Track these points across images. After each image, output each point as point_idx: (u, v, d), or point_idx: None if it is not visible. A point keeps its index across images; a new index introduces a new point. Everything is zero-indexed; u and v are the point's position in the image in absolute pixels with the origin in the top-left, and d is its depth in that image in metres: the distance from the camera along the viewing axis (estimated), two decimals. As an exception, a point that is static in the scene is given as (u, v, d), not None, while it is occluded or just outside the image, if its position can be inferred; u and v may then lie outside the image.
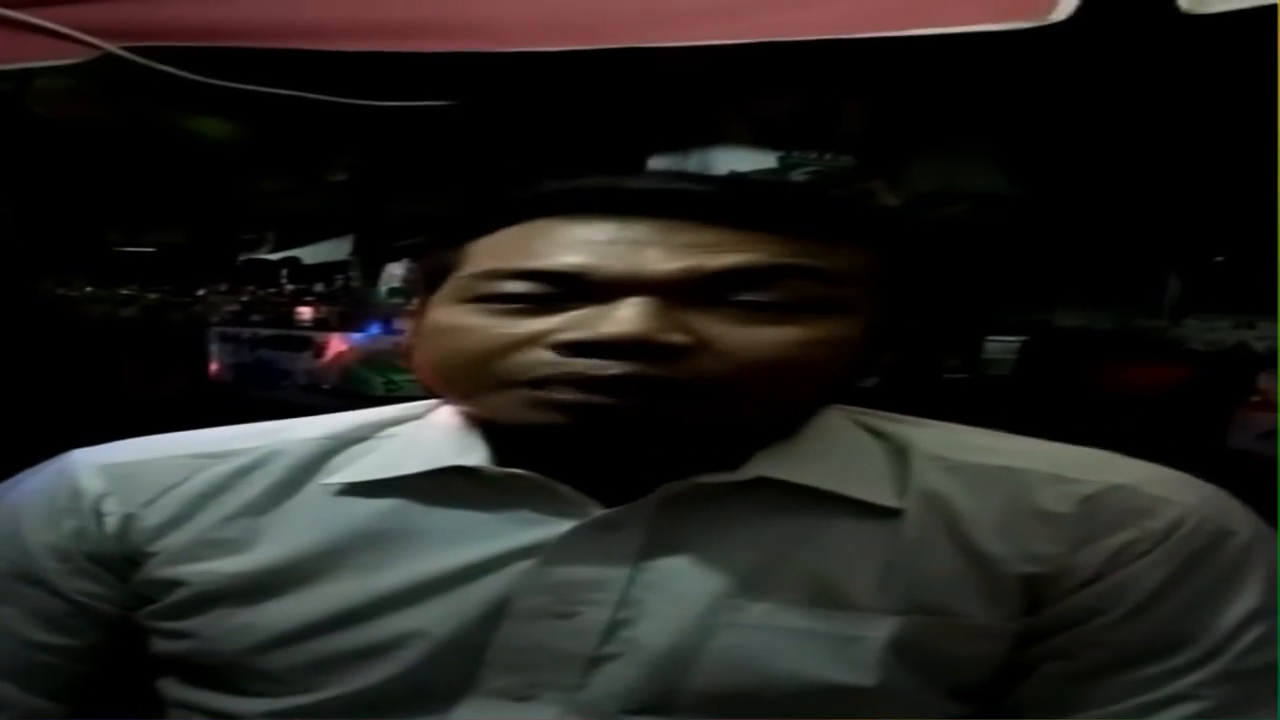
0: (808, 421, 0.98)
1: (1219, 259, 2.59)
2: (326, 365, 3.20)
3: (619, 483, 0.93)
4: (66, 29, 1.70)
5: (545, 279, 0.91)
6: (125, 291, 3.39)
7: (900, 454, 0.98)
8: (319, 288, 3.33)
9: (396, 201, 2.95)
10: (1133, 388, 2.55)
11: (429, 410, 1.06)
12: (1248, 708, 0.89)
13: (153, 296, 3.39)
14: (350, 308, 3.25)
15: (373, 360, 3.08)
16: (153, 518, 1.00)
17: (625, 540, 0.93)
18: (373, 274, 3.18)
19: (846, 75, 2.23)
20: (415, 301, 1.05)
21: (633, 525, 0.93)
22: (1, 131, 2.45)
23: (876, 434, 1.01)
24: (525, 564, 0.93)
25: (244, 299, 3.36)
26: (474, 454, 0.96)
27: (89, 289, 3.38)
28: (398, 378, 2.93)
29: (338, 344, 3.20)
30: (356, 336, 3.20)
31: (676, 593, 0.92)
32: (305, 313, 3.33)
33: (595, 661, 0.92)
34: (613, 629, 0.92)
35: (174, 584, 0.99)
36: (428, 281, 1.01)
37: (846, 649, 0.90)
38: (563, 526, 0.93)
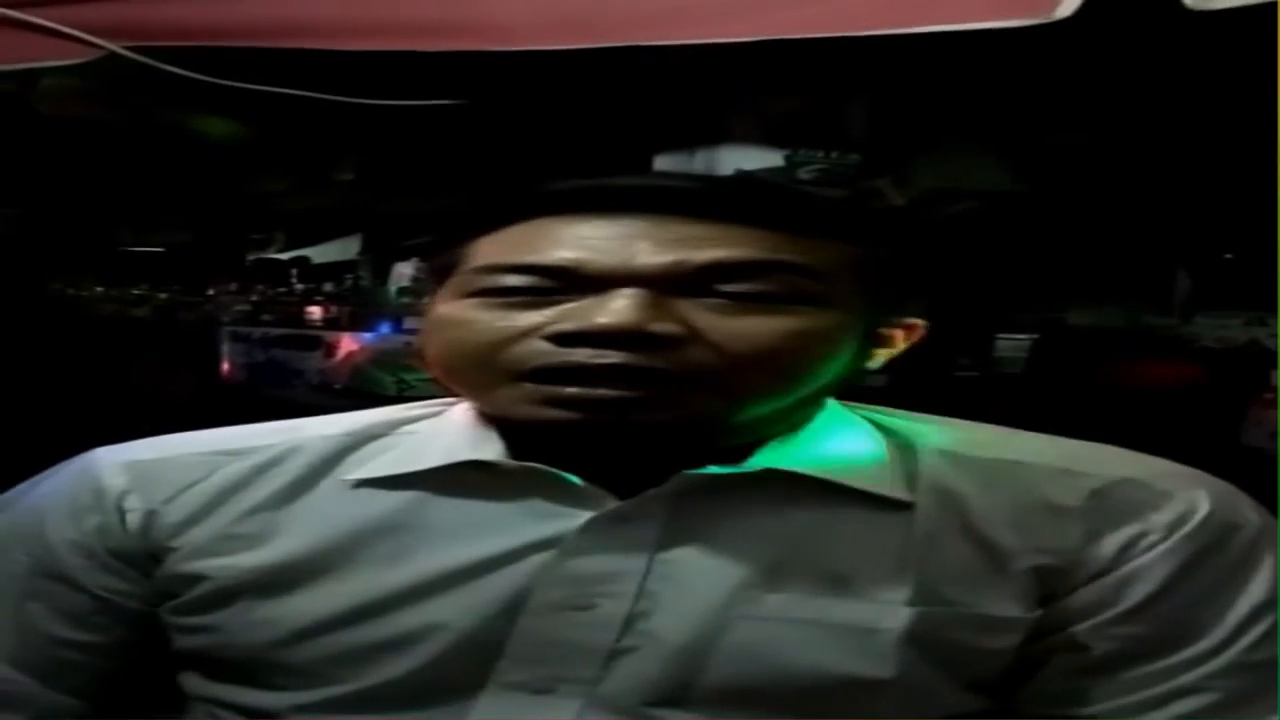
0: (814, 415, 0.99)
1: (1228, 256, 2.58)
2: (338, 365, 3.21)
3: (632, 475, 0.93)
4: (71, 29, 1.71)
5: (541, 273, 0.92)
6: (136, 291, 3.40)
7: (908, 449, 0.99)
8: (328, 287, 3.34)
9: (404, 200, 2.95)
10: (1144, 385, 2.55)
11: (447, 407, 1.07)
12: (1257, 700, 0.90)
13: (163, 296, 3.40)
14: (360, 307, 3.25)
15: (384, 360, 3.09)
16: (174, 514, 1.01)
17: (641, 532, 0.93)
18: (382, 273, 3.19)
19: (853, 73, 2.22)
20: (427, 300, 1.06)
21: (648, 517, 0.93)
22: (8, 132, 2.46)
23: (884, 429, 1.01)
24: (542, 557, 0.93)
25: (254, 298, 3.36)
26: (489, 448, 0.97)
27: (99, 289, 3.39)
28: (409, 377, 2.94)
29: (349, 343, 3.21)
30: (367, 336, 3.20)
31: (693, 585, 0.93)
32: (315, 312, 3.33)
33: (614, 654, 0.92)
34: (631, 621, 0.92)
35: (195, 579, 0.99)
36: (437, 278, 1.02)
37: (863, 641, 0.91)
38: (579, 519, 0.93)
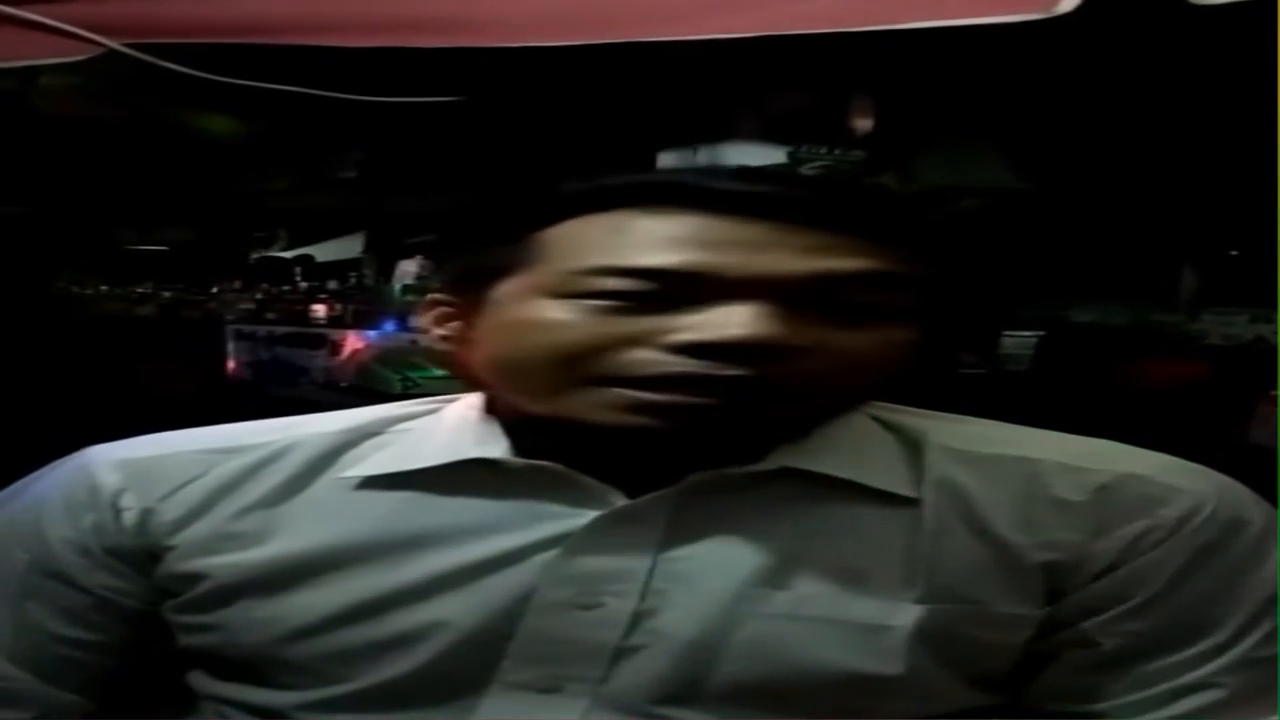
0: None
1: (1234, 252, 2.58)
2: (343, 363, 3.21)
3: (640, 473, 0.93)
4: (70, 26, 1.70)
5: (656, 277, 0.88)
6: (140, 289, 3.41)
7: (914, 445, 0.98)
8: (333, 285, 3.34)
9: (406, 198, 2.95)
10: (1150, 382, 2.54)
11: (444, 405, 1.06)
12: (1265, 695, 0.90)
13: (167, 294, 3.41)
14: (365, 305, 3.25)
15: (389, 358, 3.09)
16: (170, 512, 1.00)
17: (647, 531, 0.93)
18: (386, 271, 3.19)
19: (856, 69, 2.22)
20: (447, 296, 1.02)
21: (654, 516, 0.93)
22: (10, 130, 2.46)
23: (890, 426, 1.01)
24: (548, 555, 0.93)
25: (258, 296, 3.37)
26: (494, 446, 0.96)
27: (103, 287, 3.40)
28: (415, 375, 2.94)
29: (354, 341, 3.21)
30: (372, 334, 3.20)
31: (700, 583, 0.92)
32: (320, 310, 3.33)
33: (620, 653, 0.92)
34: (637, 620, 0.92)
35: (195, 577, 0.99)
36: (481, 276, 0.97)
37: (872, 638, 0.90)
38: (584, 518, 0.93)
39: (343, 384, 3.17)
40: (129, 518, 1.00)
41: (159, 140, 2.79)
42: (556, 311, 0.89)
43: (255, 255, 3.47)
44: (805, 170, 2.26)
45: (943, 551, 0.92)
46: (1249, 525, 0.93)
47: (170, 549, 1.00)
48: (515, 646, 0.92)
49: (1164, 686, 0.90)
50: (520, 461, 0.95)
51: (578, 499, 0.93)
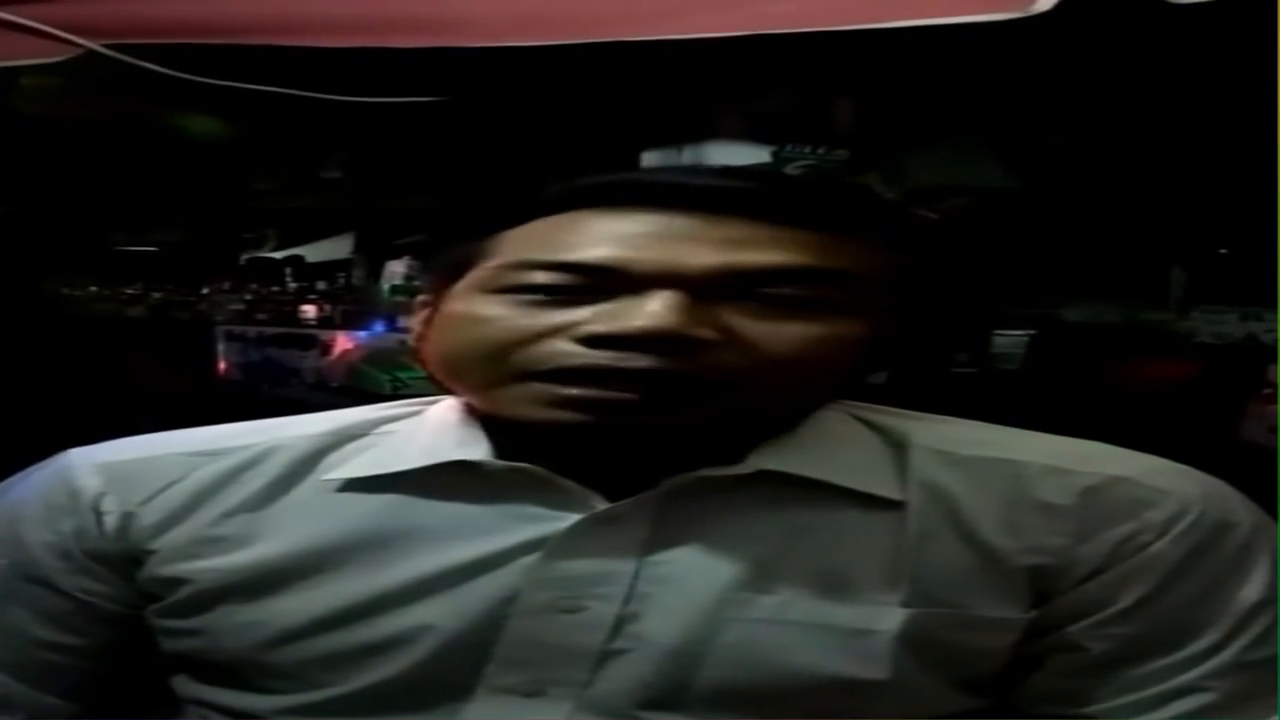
0: (807, 415, 0.98)
1: (1224, 250, 2.58)
2: (333, 363, 3.20)
3: (622, 476, 0.92)
4: (50, 27, 1.70)
5: (575, 270, 0.90)
6: (129, 291, 3.40)
7: (898, 447, 0.98)
8: (322, 285, 3.34)
9: (393, 198, 2.96)
10: (1141, 381, 2.54)
11: (426, 406, 1.06)
12: (1255, 699, 0.90)
13: (157, 295, 3.40)
14: (354, 305, 3.25)
15: (379, 358, 3.08)
16: (151, 516, 1.00)
17: (629, 534, 0.92)
18: (375, 271, 3.19)
19: (840, 68, 2.22)
20: (425, 295, 1.04)
21: (636, 519, 0.92)
22: (-5, 131, 2.46)
23: (875, 427, 1.00)
24: (529, 559, 0.92)
25: (248, 297, 3.36)
26: (476, 448, 0.96)
27: (92, 288, 3.39)
28: (404, 375, 2.93)
29: (343, 342, 3.21)
30: (361, 334, 3.20)
31: (683, 587, 0.92)
32: (310, 311, 3.33)
33: (604, 657, 0.91)
34: (620, 624, 0.91)
35: (177, 582, 0.98)
36: (447, 274, 0.99)
37: (857, 642, 0.90)
38: (566, 521, 0.93)
39: (333, 384, 3.16)
40: (110, 521, 1.00)
41: (144, 141, 2.79)
42: (486, 306, 0.92)
43: (245, 256, 3.47)
44: (790, 169, 2.26)
45: (927, 555, 0.92)
46: (1236, 528, 0.92)
47: (151, 553, 0.99)
48: (499, 650, 0.92)
49: (1152, 690, 0.90)
50: (500, 464, 0.94)
51: (558, 502, 0.93)
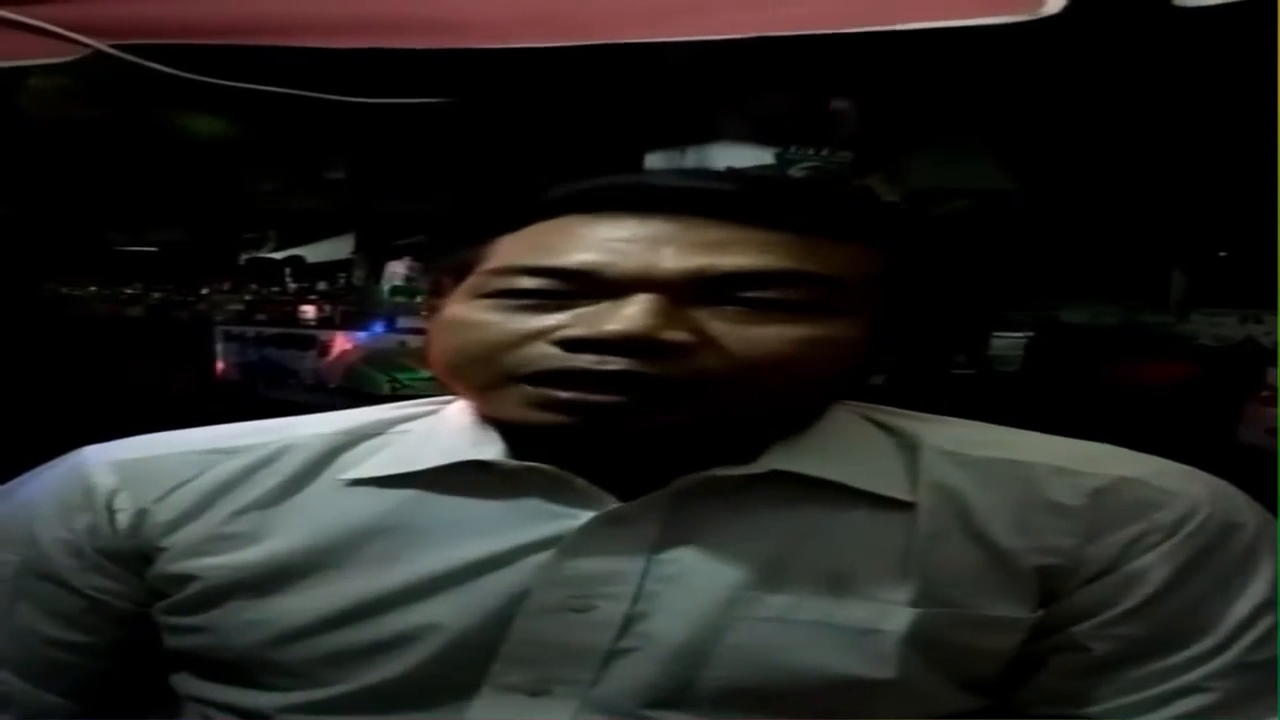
0: (819, 416, 0.98)
1: (1223, 253, 2.58)
2: (332, 364, 3.20)
3: (634, 476, 0.92)
4: (56, 27, 1.70)
5: (558, 275, 0.91)
6: (129, 291, 3.40)
7: (909, 448, 0.98)
8: (322, 286, 3.34)
9: (394, 199, 2.95)
10: (1140, 383, 2.54)
11: (442, 406, 1.06)
12: (1258, 700, 0.90)
13: (157, 295, 3.40)
14: (353, 306, 3.25)
15: (378, 359, 3.08)
16: (165, 513, 1.00)
17: (639, 533, 0.93)
18: (375, 272, 3.19)
19: (844, 71, 2.22)
20: (434, 299, 1.04)
21: (646, 518, 0.93)
22: (-2, 132, 2.46)
23: (886, 429, 1.00)
24: (540, 558, 0.92)
25: (248, 298, 3.36)
26: (490, 448, 0.96)
27: (93, 288, 3.40)
28: (403, 376, 2.93)
29: (342, 342, 3.20)
30: (361, 335, 3.19)
31: (692, 586, 0.92)
32: (309, 311, 3.33)
33: (611, 656, 0.91)
34: (629, 623, 0.91)
35: (186, 579, 0.98)
36: (449, 279, 1.01)
37: (864, 642, 0.90)
38: (578, 520, 0.93)
39: (331, 385, 3.16)
40: (123, 519, 1.00)
41: (148, 141, 2.79)
42: (476, 311, 0.94)
43: (245, 256, 3.47)
44: (793, 172, 2.25)
45: (936, 555, 0.92)
46: (1243, 529, 0.92)
47: (163, 550, 0.99)
48: (506, 649, 0.92)
49: (1155, 690, 0.90)
50: (514, 463, 0.95)
51: (571, 501, 0.93)
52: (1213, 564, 0.91)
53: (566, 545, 0.92)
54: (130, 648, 1.04)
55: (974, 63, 1.92)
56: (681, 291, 0.89)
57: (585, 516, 0.93)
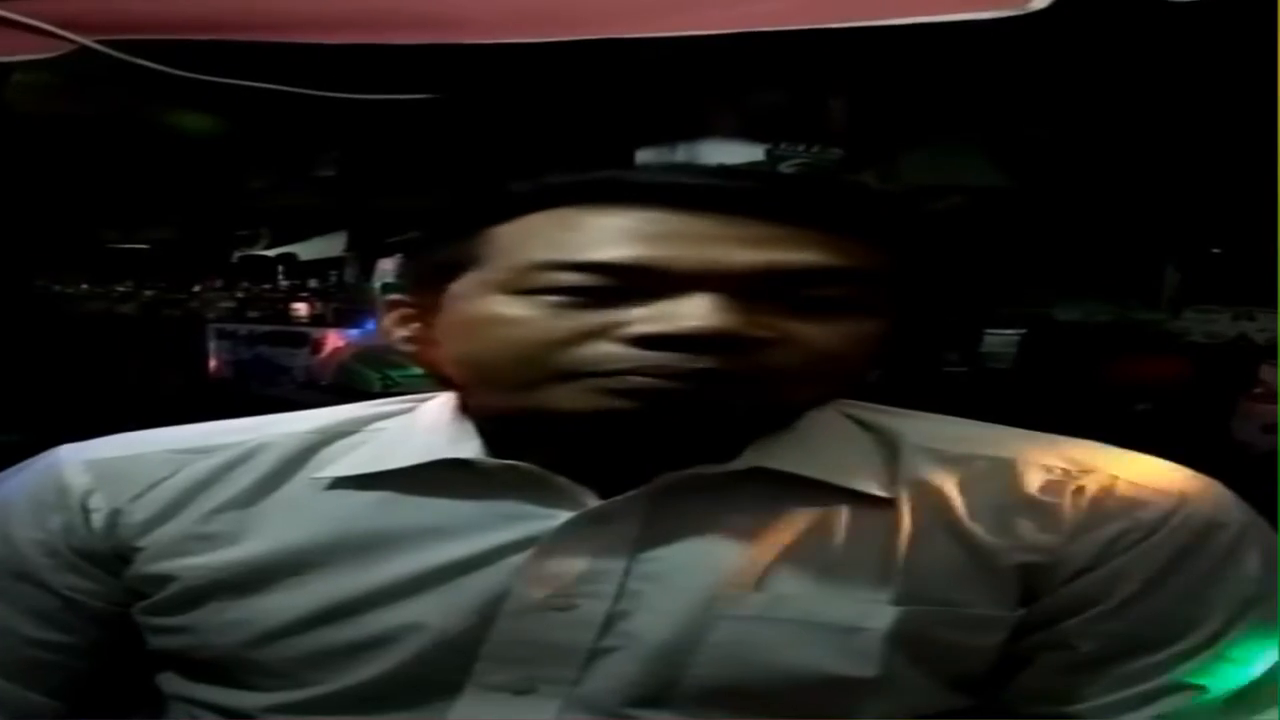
0: (800, 414, 0.97)
1: (1216, 250, 2.59)
2: (324, 362, 3.20)
3: (614, 474, 0.92)
4: (42, 23, 1.69)
5: (608, 271, 0.88)
6: (121, 288, 3.40)
7: (891, 446, 0.98)
8: (314, 283, 3.34)
9: (386, 196, 2.95)
10: (1133, 380, 2.54)
11: (418, 404, 1.05)
12: (1245, 697, 0.90)
13: (148, 293, 3.40)
14: (346, 304, 3.25)
15: (369, 356, 3.07)
16: (140, 513, 0.99)
17: (621, 531, 0.92)
18: (367, 270, 3.18)
19: (834, 67, 2.22)
20: (409, 297, 1.02)
21: (628, 516, 0.92)
22: (-16, 127, 2.45)
23: (867, 426, 1.00)
24: (520, 557, 0.92)
25: (239, 295, 3.36)
26: (467, 446, 0.96)
27: (84, 286, 3.39)
28: (395, 374, 2.92)
29: (334, 340, 3.20)
30: (353, 333, 3.19)
31: (674, 584, 0.92)
32: (301, 309, 3.32)
33: (594, 654, 0.91)
34: (611, 621, 0.91)
35: (164, 579, 0.98)
36: (436, 275, 0.97)
37: (847, 640, 0.90)
38: (558, 519, 0.92)
39: (323, 382, 3.16)
40: (98, 519, 1.00)
41: (137, 138, 2.78)
42: (512, 308, 0.90)
43: (237, 254, 3.47)
44: (783, 168, 2.25)
45: (918, 553, 0.92)
46: (1226, 527, 0.92)
47: (139, 550, 0.99)
48: (489, 648, 0.92)
49: (1140, 688, 0.90)
50: (493, 461, 0.94)
51: (551, 499, 0.93)
52: (1195, 561, 0.91)
53: (546, 544, 0.92)
54: (112, 647, 1.04)
55: (965, 59, 1.92)
56: (747, 288, 0.87)
57: (564, 516, 0.92)
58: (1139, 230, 2.51)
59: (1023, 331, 2.68)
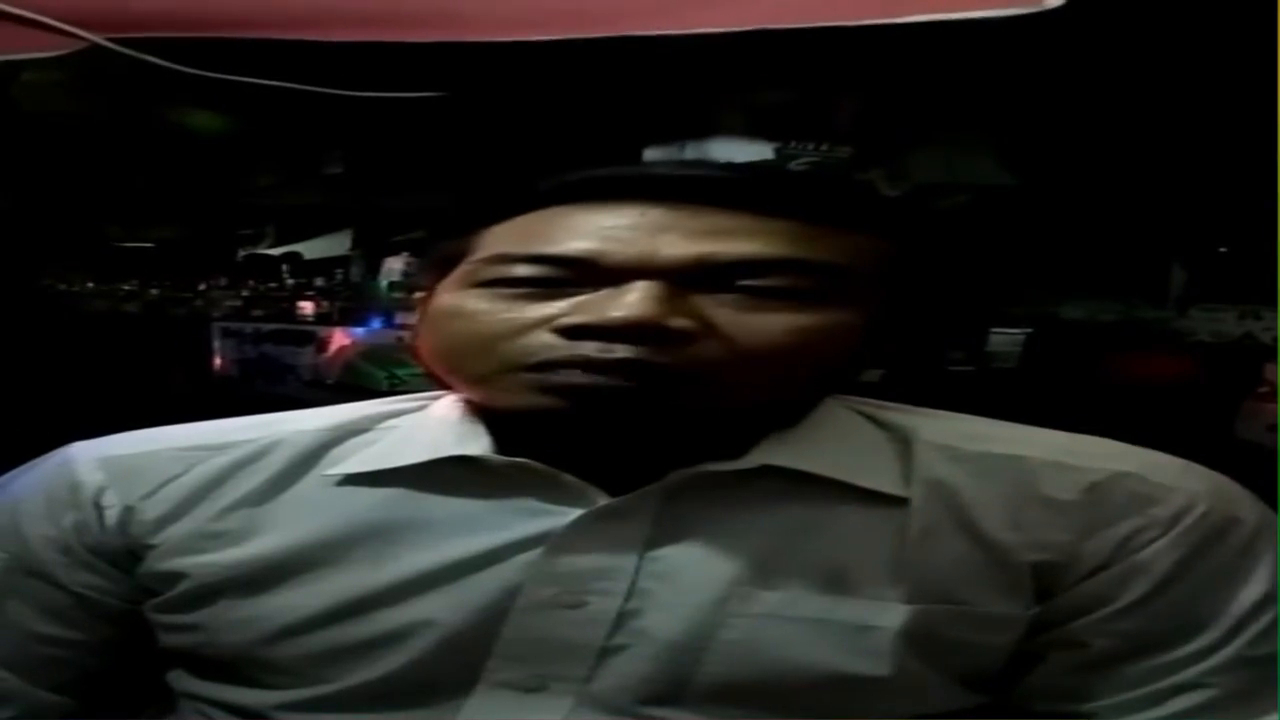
0: (811, 410, 0.97)
1: (1223, 249, 2.59)
2: (329, 360, 3.20)
3: (623, 472, 0.92)
4: (51, 20, 1.69)
5: (555, 263, 0.91)
6: (126, 287, 3.40)
7: (904, 443, 0.97)
8: (319, 282, 3.34)
9: (392, 195, 2.95)
10: (1138, 379, 2.54)
11: (430, 402, 1.05)
12: (1257, 696, 0.89)
13: (154, 292, 3.41)
14: (351, 302, 3.25)
15: (375, 355, 3.08)
16: (153, 510, 0.99)
17: (631, 529, 0.92)
18: (373, 268, 3.19)
19: (845, 65, 2.21)
20: (421, 291, 1.04)
21: (638, 514, 0.92)
22: (-6, 126, 2.45)
23: (879, 423, 1.00)
24: (531, 554, 0.92)
25: (245, 294, 3.36)
26: (476, 443, 0.95)
27: (90, 284, 3.40)
28: (401, 372, 2.93)
29: (340, 338, 3.20)
30: (358, 331, 3.19)
31: (685, 582, 0.91)
32: (307, 307, 3.33)
33: (605, 652, 0.91)
34: (622, 619, 0.91)
35: (176, 576, 0.98)
36: (437, 269, 1.00)
37: (859, 638, 0.90)
38: (567, 516, 0.92)
39: (329, 381, 3.16)
40: (111, 516, 0.99)
41: (144, 137, 2.79)
42: (469, 300, 0.93)
43: (242, 252, 3.47)
44: (793, 166, 2.25)
45: (931, 551, 0.91)
46: (1241, 524, 0.91)
47: (152, 548, 0.99)
48: (500, 645, 0.92)
49: (1153, 687, 0.90)
50: (500, 459, 0.94)
51: (559, 497, 0.93)
52: (1210, 559, 0.90)
53: (557, 541, 0.92)
54: (123, 644, 1.03)
55: (975, 57, 1.92)
56: (682, 279, 0.88)
57: (574, 513, 0.92)
58: (1145, 229, 2.52)
59: (1028, 330, 2.68)
